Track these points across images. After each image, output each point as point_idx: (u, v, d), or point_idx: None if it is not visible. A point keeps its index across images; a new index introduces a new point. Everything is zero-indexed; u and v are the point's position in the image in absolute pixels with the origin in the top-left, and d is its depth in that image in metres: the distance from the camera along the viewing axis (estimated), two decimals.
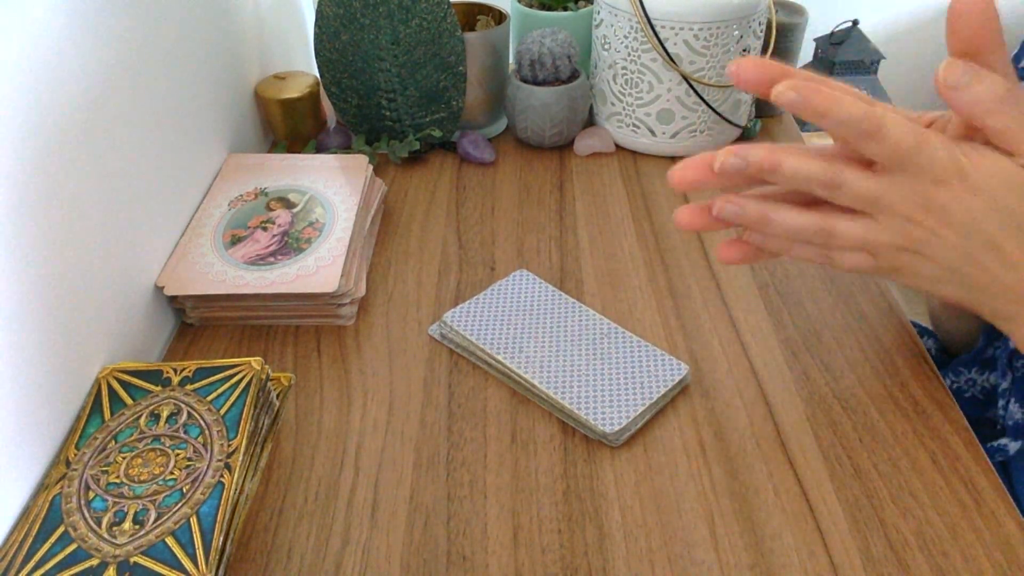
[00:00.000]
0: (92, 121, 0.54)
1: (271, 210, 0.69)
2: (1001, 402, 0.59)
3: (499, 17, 0.88)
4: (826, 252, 0.46)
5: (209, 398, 0.51)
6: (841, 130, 0.40)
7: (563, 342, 0.59)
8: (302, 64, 1.08)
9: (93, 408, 0.51)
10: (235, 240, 0.66)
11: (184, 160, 0.68)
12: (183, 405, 0.51)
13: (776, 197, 0.46)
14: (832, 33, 1.74)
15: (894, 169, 0.41)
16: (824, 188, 0.42)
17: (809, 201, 0.45)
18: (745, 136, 0.88)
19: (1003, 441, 0.58)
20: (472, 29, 0.89)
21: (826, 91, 0.39)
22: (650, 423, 0.55)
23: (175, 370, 0.53)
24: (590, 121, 0.90)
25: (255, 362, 0.53)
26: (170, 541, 0.43)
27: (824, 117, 0.39)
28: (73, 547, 0.43)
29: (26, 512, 0.46)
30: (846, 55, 1.70)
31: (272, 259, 0.64)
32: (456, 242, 0.73)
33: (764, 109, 0.92)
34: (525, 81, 0.82)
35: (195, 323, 0.64)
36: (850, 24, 1.73)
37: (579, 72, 0.84)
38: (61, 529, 0.44)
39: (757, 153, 0.42)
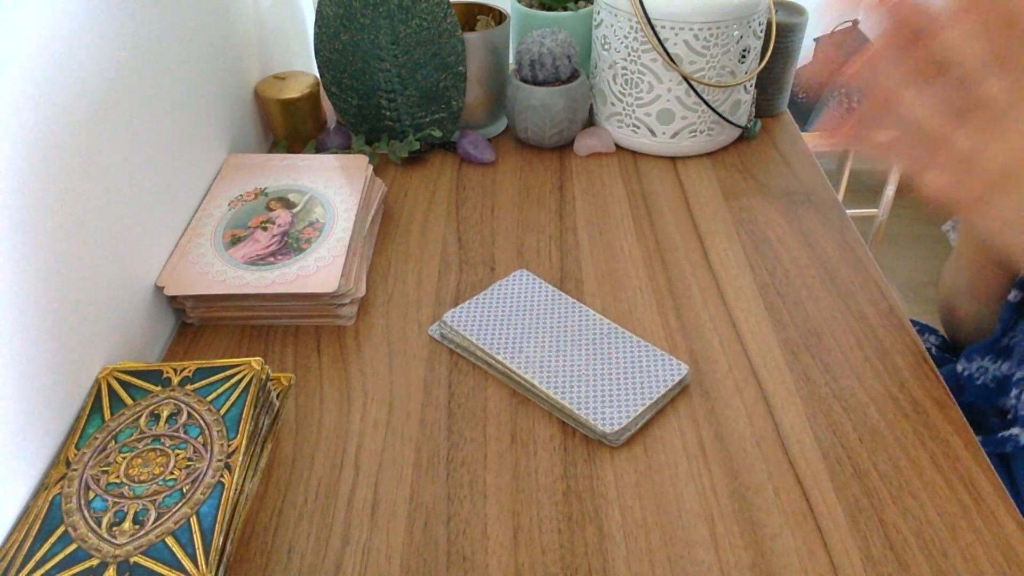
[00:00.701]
0: (92, 122, 0.54)
1: (271, 210, 0.69)
2: (1014, 391, 0.59)
3: (499, 17, 0.88)
4: (923, 165, 0.43)
5: (209, 398, 0.51)
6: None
7: (563, 342, 0.59)
8: (302, 64, 1.08)
9: (93, 408, 0.51)
10: (235, 240, 0.66)
11: (184, 160, 0.68)
12: (183, 405, 0.51)
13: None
14: (832, 33, 1.74)
15: None
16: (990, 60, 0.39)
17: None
18: (745, 136, 0.88)
19: (1014, 431, 0.58)
20: (472, 29, 0.89)
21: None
22: (650, 423, 0.55)
23: (175, 370, 0.53)
24: (590, 121, 0.90)
25: (255, 362, 0.53)
26: (170, 541, 0.43)
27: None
28: (73, 547, 0.43)
29: (26, 512, 0.46)
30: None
31: (272, 259, 0.64)
32: (456, 242, 0.73)
33: (764, 109, 0.92)
34: (525, 81, 0.82)
35: (195, 323, 0.64)
36: (850, 24, 1.73)
37: (579, 72, 0.84)
38: (61, 529, 0.44)
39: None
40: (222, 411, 0.50)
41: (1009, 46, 0.40)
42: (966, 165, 0.42)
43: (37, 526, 0.44)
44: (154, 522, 0.44)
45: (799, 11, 0.88)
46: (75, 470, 0.47)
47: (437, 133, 0.84)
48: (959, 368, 0.63)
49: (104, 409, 0.51)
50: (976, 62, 0.39)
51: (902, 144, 0.44)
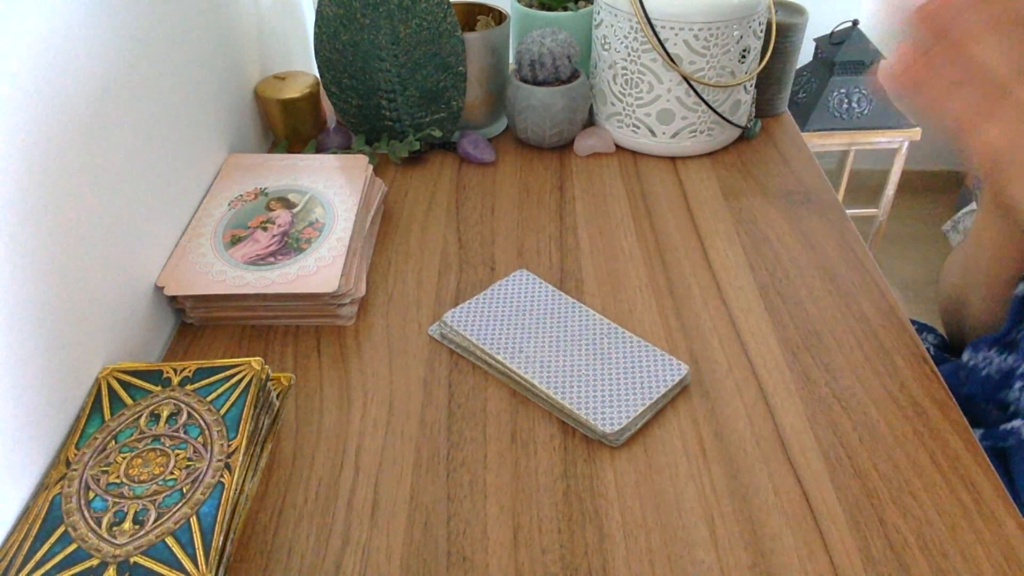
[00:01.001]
0: (92, 121, 0.54)
1: (271, 210, 0.69)
2: (1018, 384, 0.59)
3: (499, 17, 0.88)
4: (984, 116, 0.42)
5: (209, 398, 0.51)
6: None
7: (563, 342, 0.59)
8: (302, 64, 1.08)
9: (93, 408, 0.51)
10: (235, 240, 0.66)
11: (184, 160, 0.68)
12: (183, 405, 0.51)
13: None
14: (832, 33, 1.74)
15: None
16: None
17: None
18: (745, 136, 0.88)
19: (1016, 423, 0.58)
20: (472, 29, 0.89)
21: None
22: (650, 423, 0.55)
23: (175, 370, 0.53)
24: (590, 121, 0.90)
25: (255, 362, 0.53)
26: (170, 541, 0.43)
27: None
28: (73, 547, 0.43)
29: (26, 512, 0.46)
30: (846, 55, 1.69)
31: (272, 259, 0.64)
32: (456, 242, 0.73)
33: (764, 109, 0.92)
34: (525, 81, 0.82)
35: (195, 323, 0.64)
36: (850, 24, 1.73)
37: (579, 72, 0.84)
38: (61, 529, 0.44)
39: None
40: (222, 411, 0.50)
41: None
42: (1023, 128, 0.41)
43: (37, 526, 0.44)
44: (154, 522, 0.44)
45: (799, 11, 0.88)
46: (75, 470, 0.47)
47: (437, 133, 0.83)
48: (964, 358, 0.63)
49: (104, 409, 0.51)
50: None
51: (967, 92, 0.43)
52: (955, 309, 0.71)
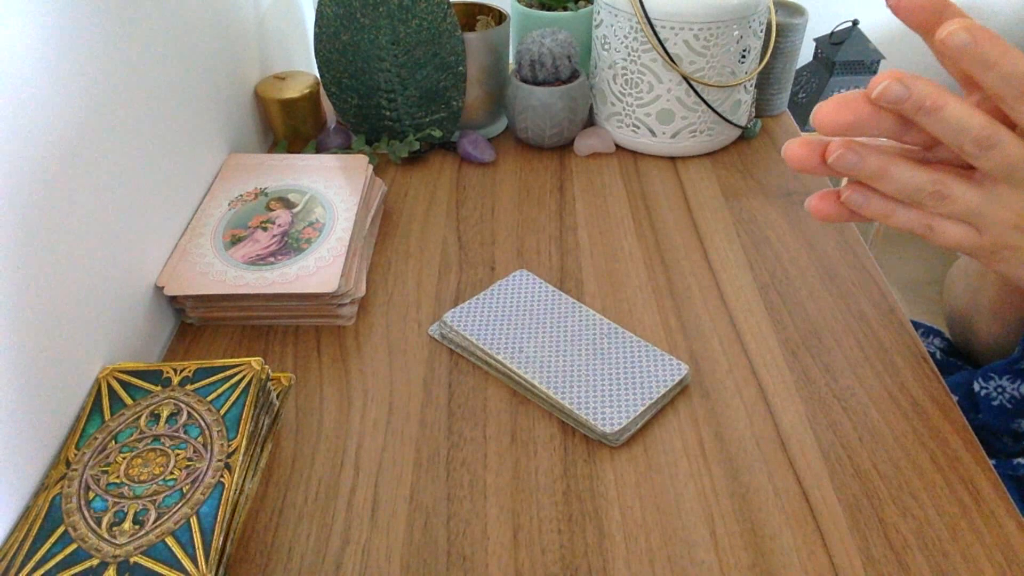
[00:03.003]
0: (92, 121, 0.54)
1: (271, 210, 0.69)
2: None
3: (499, 17, 0.88)
4: (930, 222, 0.42)
5: (209, 398, 0.51)
6: (1004, 87, 0.36)
7: (563, 342, 0.59)
8: (302, 64, 1.08)
9: (93, 408, 0.51)
10: (235, 240, 0.66)
11: (184, 160, 0.68)
12: (183, 405, 0.51)
13: (892, 153, 0.42)
14: (832, 33, 1.74)
15: None
16: (977, 145, 0.38)
17: (921, 162, 0.42)
18: (745, 136, 0.88)
19: None
20: (472, 29, 0.89)
21: (999, 38, 0.35)
22: (650, 423, 0.55)
23: (175, 370, 0.53)
24: (590, 121, 0.90)
25: (255, 362, 0.53)
26: (170, 541, 0.43)
27: (989, 69, 0.36)
28: (73, 547, 0.43)
29: (26, 512, 0.46)
30: (846, 55, 1.70)
31: (272, 259, 0.64)
32: (456, 242, 0.73)
33: (764, 109, 0.92)
34: (525, 81, 0.82)
35: (195, 323, 0.64)
36: (850, 24, 1.73)
37: (579, 72, 0.84)
38: (61, 529, 0.44)
39: (924, 87, 0.37)
40: (222, 411, 0.50)
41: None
42: (977, 217, 0.41)
43: (37, 526, 0.44)
44: (154, 522, 0.44)
45: (799, 11, 0.88)
46: (75, 470, 0.47)
47: (437, 133, 0.84)
48: (976, 387, 0.62)
49: (104, 409, 0.51)
50: (984, 124, 0.38)
51: (900, 214, 0.43)
52: (962, 328, 0.71)
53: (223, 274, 0.62)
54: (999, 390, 0.62)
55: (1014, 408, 0.60)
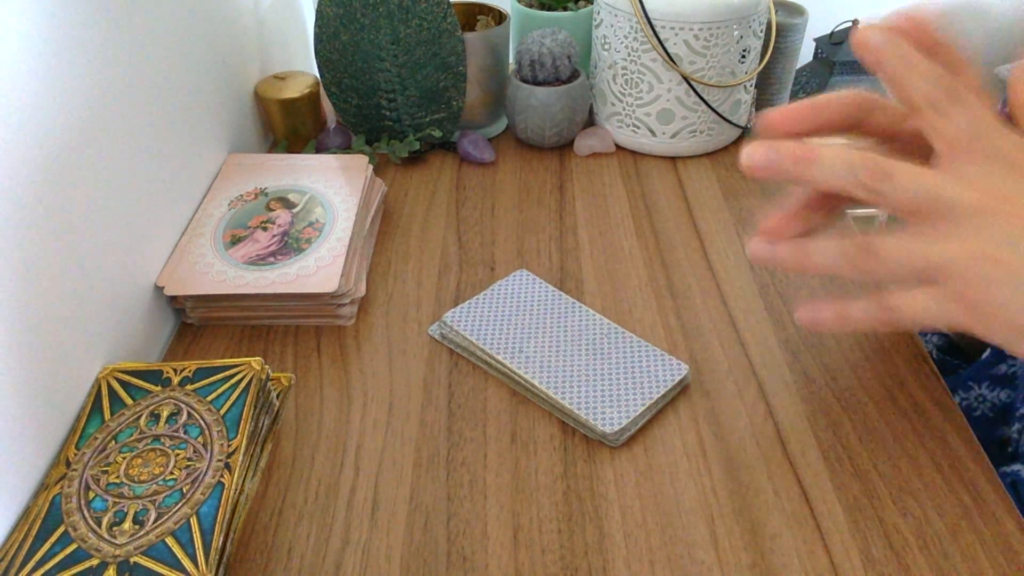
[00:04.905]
0: (92, 121, 0.54)
1: (271, 210, 0.69)
2: (1017, 426, 0.58)
3: (499, 17, 0.88)
4: (886, 306, 0.39)
5: (209, 398, 0.51)
6: (914, 95, 0.35)
7: (563, 342, 0.59)
8: (302, 64, 1.08)
9: (93, 408, 0.51)
10: (235, 240, 0.66)
11: (184, 160, 0.68)
12: (183, 405, 0.51)
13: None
14: (832, 33, 1.74)
15: (958, 154, 0.35)
16: (870, 181, 0.36)
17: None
18: (745, 136, 0.88)
19: (1016, 467, 0.57)
20: (472, 29, 0.89)
21: (907, 49, 0.35)
22: (650, 423, 0.55)
23: (175, 370, 0.53)
24: (590, 121, 0.90)
25: (255, 362, 0.53)
26: (170, 541, 0.43)
27: (895, 84, 0.35)
28: (73, 547, 0.43)
29: (26, 512, 0.46)
30: (846, 55, 1.69)
31: (272, 259, 0.64)
32: (456, 242, 0.73)
33: (764, 109, 0.92)
34: (525, 81, 0.82)
35: (195, 323, 0.64)
36: (850, 24, 1.73)
37: (579, 72, 0.84)
38: (61, 529, 0.44)
39: (788, 144, 0.37)
40: (222, 411, 0.50)
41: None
42: (919, 260, 0.38)
43: (37, 526, 0.44)
44: (154, 522, 0.44)
45: (799, 11, 0.88)
46: (75, 470, 0.47)
47: (437, 133, 0.83)
48: (957, 399, 0.62)
49: (104, 409, 0.51)
50: (867, 159, 0.37)
51: (854, 308, 0.41)
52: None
53: (223, 274, 0.62)
54: (980, 399, 0.62)
55: (995, 416, 0.60)
